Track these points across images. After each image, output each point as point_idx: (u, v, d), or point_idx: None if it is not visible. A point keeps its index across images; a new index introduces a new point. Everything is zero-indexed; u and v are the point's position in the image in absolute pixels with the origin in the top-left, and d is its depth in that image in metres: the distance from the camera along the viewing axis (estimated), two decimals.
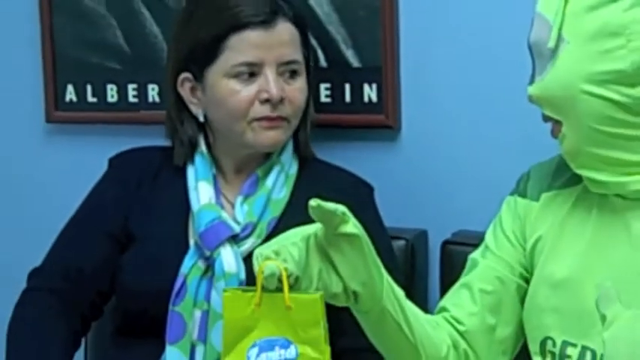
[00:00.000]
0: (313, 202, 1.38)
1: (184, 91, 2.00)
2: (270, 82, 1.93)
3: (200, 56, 1.97)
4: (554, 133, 1.56)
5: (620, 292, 1.53)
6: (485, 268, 1.71)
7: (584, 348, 1.57)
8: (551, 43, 1.51)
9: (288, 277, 1.38)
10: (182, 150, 2.03)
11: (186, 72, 1.99)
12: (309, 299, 1.39)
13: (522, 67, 1.63)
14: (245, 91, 1.93)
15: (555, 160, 1.73)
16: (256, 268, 1.39)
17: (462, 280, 1.74)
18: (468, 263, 1.74)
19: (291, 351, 1.40)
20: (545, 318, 1.62)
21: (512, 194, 1.75)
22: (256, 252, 1.41)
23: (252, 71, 1.93)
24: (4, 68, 2.58)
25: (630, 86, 1.48)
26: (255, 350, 1.38)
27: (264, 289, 1.38)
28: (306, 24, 2.04)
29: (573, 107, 1.51)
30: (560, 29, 1.51)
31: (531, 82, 1.58)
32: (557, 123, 1.55)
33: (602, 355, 1.55)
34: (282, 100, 1.94)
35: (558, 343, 1.60)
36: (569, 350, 1.59)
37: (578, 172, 1.58)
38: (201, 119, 2.00)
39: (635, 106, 1.49)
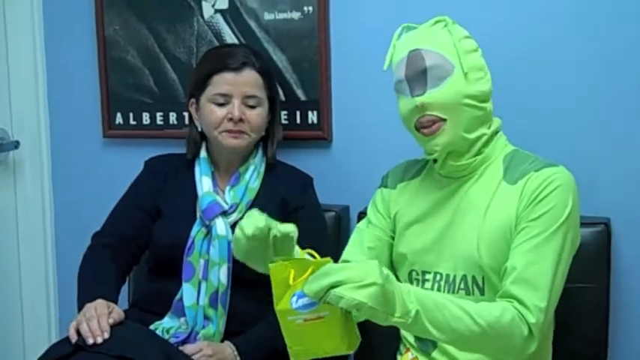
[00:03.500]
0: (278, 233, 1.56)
1: (192, 109, 2.19)
2: (234, 107, 2.09)
3: (197, 87, 2.14)
4: (435, 130, 1.71)
5: (448, 231, 1.72)
6: (368, 234, 1.89)
7: (435, 273, 1.76)
8: (458, 69, 1.68)
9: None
10: (191, 147, 2.19)
11: (193, 98, 2.18)
12: (325, 261, 1.49)
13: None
14: (219, 112, 2.10)
15: (404, 164, 1.93)
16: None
17: (354, 242, 1.90)
18: (356, 230, 1.91)
19: None
20: (408, 258, 1.81)
21: (379, 187, 1.93)
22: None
23: (225, 100, 2.10)
24: (76, 102, 2.69)
25: (484, 102, 1.73)
26: (295, 298, 1.46)
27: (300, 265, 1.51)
28: (270, 73, 2.19)
29: (458, 111, 1.70)
30: (459, 60, 1.69)
31: (421, 94, 1.70)
32: (441, 121, 1.70)
33: (447, 275, 1.73)
34: (242, 120, 2.09)
35: (419, 272, 1.80)
36: (427, 276, 1.78)
37: (438, 162, 1.75)
38: (199, 129, 2.17)
39: (484, 114, 1.74)
